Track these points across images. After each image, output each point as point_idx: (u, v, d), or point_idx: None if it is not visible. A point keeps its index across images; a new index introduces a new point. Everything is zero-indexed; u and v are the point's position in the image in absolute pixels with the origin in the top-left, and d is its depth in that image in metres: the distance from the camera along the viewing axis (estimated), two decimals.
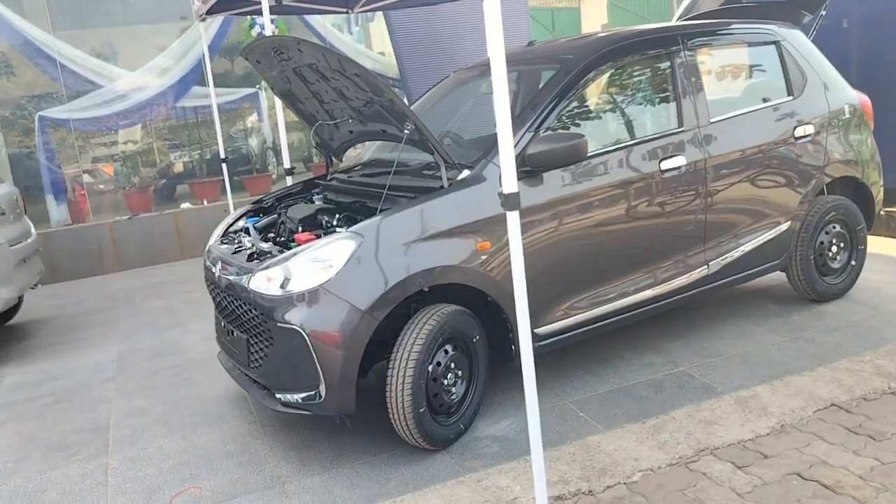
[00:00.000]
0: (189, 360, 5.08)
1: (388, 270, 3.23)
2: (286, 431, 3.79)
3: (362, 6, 8.48)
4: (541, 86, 3.91)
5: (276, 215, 4.22)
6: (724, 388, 3.76)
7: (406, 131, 3.39)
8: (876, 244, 5.35)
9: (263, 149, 10.82)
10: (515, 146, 3.53)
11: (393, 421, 3.30)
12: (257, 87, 9.99)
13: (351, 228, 3.26)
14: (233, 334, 3.67)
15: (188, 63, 9.20)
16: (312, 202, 4.27)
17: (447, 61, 8.94)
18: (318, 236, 3.52)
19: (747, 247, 4.24)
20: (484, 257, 3.41)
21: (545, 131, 3.58)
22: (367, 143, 4.58)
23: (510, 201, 2.41)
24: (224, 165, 8.23)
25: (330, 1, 8.14)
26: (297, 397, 3.30)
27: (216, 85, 8.93)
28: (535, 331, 3.62)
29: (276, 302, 3.24)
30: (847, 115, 4.56)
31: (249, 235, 4.03)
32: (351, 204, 3.92)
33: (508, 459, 3.32)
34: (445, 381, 3.41)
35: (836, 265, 4.66)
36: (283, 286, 3.25)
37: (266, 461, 3.53)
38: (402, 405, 3.22)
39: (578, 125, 3.75)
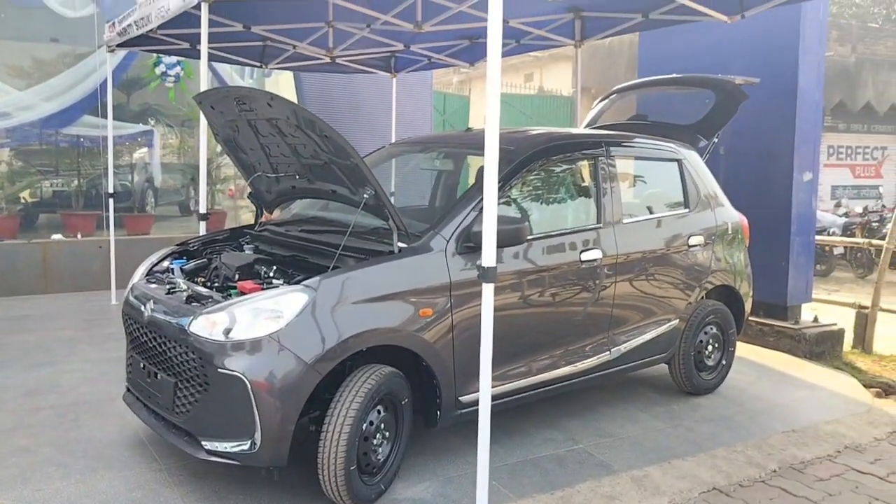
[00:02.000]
0: (72, 400, 4.81)
1: (337, 326, 3.33)
2: (196, 481, 3.70)
3: (277, 63, 8.63)
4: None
5: (204, 260, 4.20)
6: (619, 467, 4.07)
7: (365, 196, 3.55)
8: (740, 349, 5.98)
9: (144, 188, 10.49)
10: (461, 223, 3.79)
11: (321, 475, 3.33)
12: (152, 124, 9.74)
13: (304, 282, 3.34)
14: (156, 376, 3.59)
15: (82, 91, 8.87)
16: (242, 251, 4.29)
17: (354, 130, 9.19)
18: (262, 286, 3.56)
19: (643, 339, 4.67)
20: (425, 323, 3.58)
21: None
22: (295, 199, 4.67)
23: (488, 274, 2.63)
24: (111, 200, 7.94)
25: (245, 53, 8.23)
26: (226, 446, 3.28)
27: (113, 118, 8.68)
28: (459, 398, 3.80)
29: (219, 347, 3.24)
30: (730, 232, 5.19)
31: (176, 277, 3.99)
32: (288, 257, 3.99)
33: None
34: (374, 441, 3.50)
35: (710, 363, 5.19)
36: (226, 332, 3.26)
37: None
38: (335, 461, 3.28)
39: (516, 210, 4.06)
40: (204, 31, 5.22)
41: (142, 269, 4.15)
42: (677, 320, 4.87)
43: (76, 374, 5.36)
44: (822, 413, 5.04)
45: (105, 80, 8.71)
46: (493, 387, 3.86)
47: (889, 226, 12.70)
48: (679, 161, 5.02)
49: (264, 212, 4.64)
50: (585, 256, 4.25)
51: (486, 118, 2.68)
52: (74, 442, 4.14)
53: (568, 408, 4.82)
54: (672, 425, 4.71)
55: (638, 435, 4.52)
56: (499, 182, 3.91)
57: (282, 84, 10.56)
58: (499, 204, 3.95)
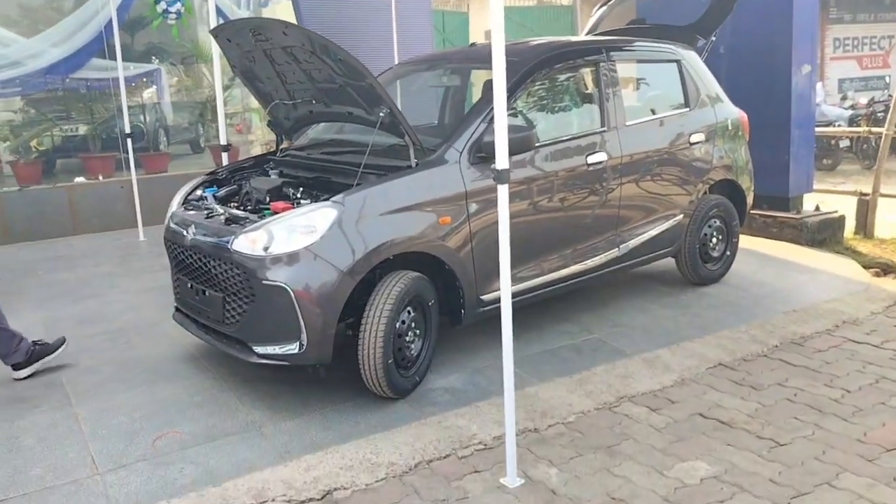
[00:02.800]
0: (121, 327, 5.19)
1: (365, 237, 3.64)
2: (249, 385, 4.08)
3: None
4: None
5: (234, 186, 4.49)
6: (632, 351, 4.42)
7: (381, 115, 3.80)
8: (742, 240, 6.26)
9: (156, 127, 10.70)
10: (472, 135, 4.04)
11: (363, 371, 3.70)
12: (158, 63, 9.88)
13: (332, 199, 3.63)
14: (204, 293, 3.93)
15: (88, 34, 8.99)
16: (268, 176, 4.56)
17: (357, 54, 9.28)
18: (293, 206, 3.85)
19: (649, 234, 4.96)
20: (445, 231, 3.88)
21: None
22: (312, 124, 4.90)
23: (502, 176, 2.90)
24: (129, 140, 8.19)
25: None
26: (276, 349, 3.64)
27: (116, 58, 8.82)
28: (480, 297, 4.13)
29: (261, 262, 3.56)
30: (730, 128, 5.40)
31: (210, 203, 4.28)
32: (312, 179, 4.26)
33: (461, 406, 3.81)
34: (407, 339, 3.85)
35: (715, 254, 5.49)
36: (265, 248, 3.58)
37: (237, 410, 3.82)
38: (374, 357, 3.64)
39: (523, 120, 4.30)
40: None
41: (178, 198, 4.44)
42: (682, 215, 5.15)
43: (120, 304, 5.74)
44: (822, 293, 5.37)
45: (109, 22, 8.87)
46: (517, 284, 4.21)
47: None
48: (678, 62, 5.20)
49: (283, 138, 4.89)
50: (592, 159, 4.50)
51: (492, 30, 2.90)
52: (132, 361, 4.53)
53: (582, 304, 5.16)
54: (680, 313, 5.05)
55: (648, 323, 4.87)
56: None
57: (279, 13, 10.59)
58: (508, 114, 4.19)
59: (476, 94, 4.89)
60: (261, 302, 3.61)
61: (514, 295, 4.25)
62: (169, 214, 4.35)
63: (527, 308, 4.68)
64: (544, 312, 4.96)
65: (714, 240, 5.46)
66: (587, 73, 4.69)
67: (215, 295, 3.84)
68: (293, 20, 10.17)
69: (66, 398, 4.03)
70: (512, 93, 4.23)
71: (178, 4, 9.27)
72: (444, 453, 3.38)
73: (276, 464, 3.32)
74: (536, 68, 4.37)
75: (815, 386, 3.94)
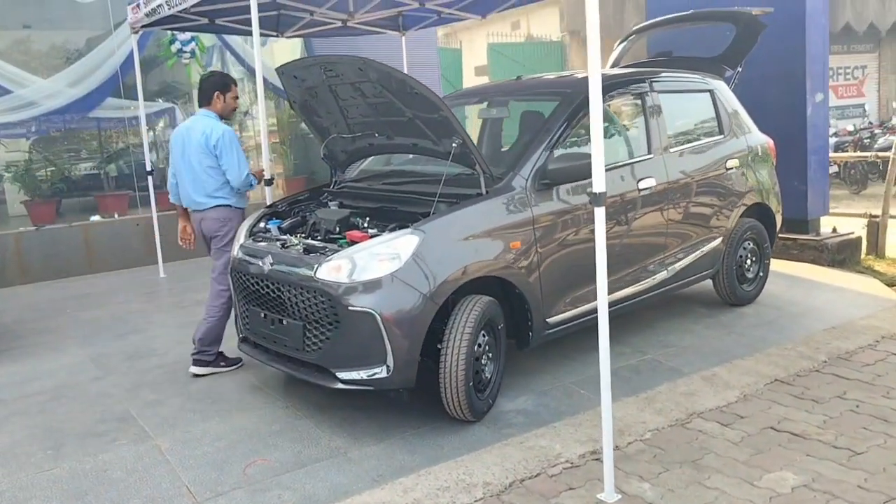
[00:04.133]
0: (173, 360, 5.21)
1: (445, 262, 3.75)
2: (323, 412, 4.14)
3: (293, 31, 8.87)
4: (546, 115, 4.60)
5: (297, 218, 4.59)
6: (689, 370, 4.55)
7: (454, 145, 3.93)
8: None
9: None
10: (536, 163, 4.19)
11: (444, 394, 3.78)
12: (173, 102, 9.97)
13: (414, 226, 3.75)
14: (281, 322, 4.00)
15: (104, 74, 9.07)
16: (328, 207, 4.67)
17: None
18: (369, 235, 3.95)
19: (693, 257, 5.13)
20: (515, 255, 4.01)
21: (555, 151, 4.27)
22: (369, 157, 5.03)
23: (598, 199, 3.04)
24: (150, 178, 8.25)
25: (260, 23, 8.44)
26: (360, 374, 3.71)
27: (130, 97, 8.93)
28: (546, 320, 4.25)
29: (346, 288, 3.65)
30: (759, 153, 5.62)
31: (276, 234, 4.37)
32: (376, 209, 4.37)
33: (537, 426, 3.90)
34: (482, 362, 3.94)
35: (750, 275, 5.67)
36: (349, 275, 3.67)
37: (318, 437, 3.88)
38: (456, 379, 3.73)
39: (579, 148, 4.46)
40: (254, 7, 5.52)
41: (244, 231, 4.52)
42: (721, 238, 5.33)
43: (164, 339, 5.76)
44: (855, 310, 5.56)
45: (123, 62, 8.98)
46: (574, 307, 4.34)
47: (880, 140, 13.22)
48: (711, 91, 5.43)
49: (336, 171, 5.01)
50: (643, 185, 4.67)
51: (588, 58, 3.05)
52: (197, 393, 4.57)
53: (630, 326, 5.29)
54: (725, 333, 5.20)
55: (697, 343, 5.01)
56: (563, 122, 4.34)
57: (277, 52, 10.72)
58: (567, 143, 4.36)
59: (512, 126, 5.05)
60: (345, 328, 3.69)
61: (578, 317, 4.41)
62: (237, 247, 4.42)
63: (581, 331, 4.80)
64: (595, 336, 5.06)
65: (748, 261, 5.64)
66: (634, 103, 4.88)
67: (294, 323, 3.91)
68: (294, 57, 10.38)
69: (142, 431, 4.05)
70: (569, 122, 4.39)
71: (192, 44, 9.40)
72: (534, 472, 3.46)
73: (372, 487, 3.38)
74: (586, 101, 4.53)
75: (874, 398, 4.09)
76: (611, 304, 4.58)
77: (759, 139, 5.68)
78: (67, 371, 5.13)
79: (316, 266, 3.77)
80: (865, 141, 13.56)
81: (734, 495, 3.19)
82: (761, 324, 5.35)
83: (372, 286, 3.64)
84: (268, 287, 4.05)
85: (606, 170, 4.47)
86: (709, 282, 5.61)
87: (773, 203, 5.75)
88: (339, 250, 3.83)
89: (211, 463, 3.65)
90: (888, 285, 6.22)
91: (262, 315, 4.14)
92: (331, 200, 4.73)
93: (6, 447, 3.96)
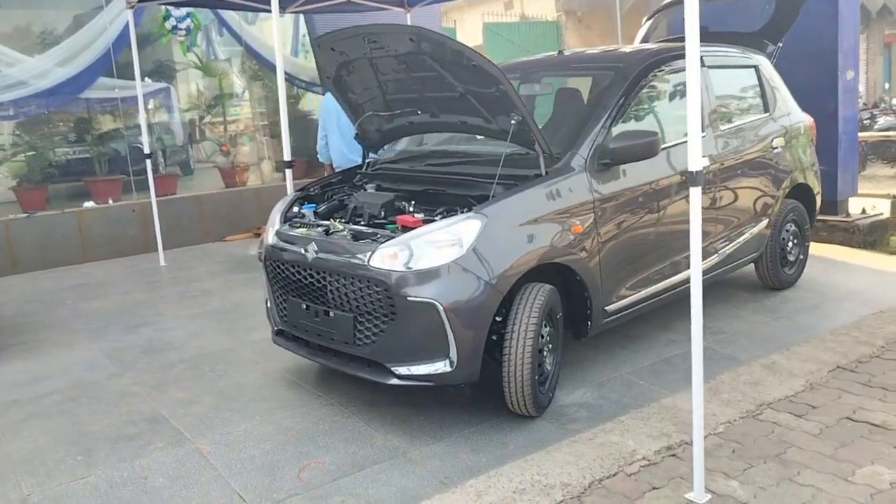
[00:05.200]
0: (194, 354, 4.92)
1: (508, 248, 3.51)
2: (374, 410, 3.88)
3: (295, 7, 8.51)
4: (590, 90, 4.35)
5: (335, 202, 4.31)
6: (745, 357, 4.36)
7: (513, 122, 3.67)
8: None
9: (172, 146, 10.34)
10: (595, 142, 3.95)
11: (507, 388, 3.54)
12: (168, 81, 9.57)
13: (477, 210, 3.49)
14: (327, 314, 3.72)
15: (95, 52, 8.65)
16: (365, 190, 4.39)
17: None
18: (422, 220, 3.68)
19: (742, 239, 4.94)
20: (577, 240, 3.77)
21: (612, 129, 4.02)
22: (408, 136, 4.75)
23: (695, 178, 2.81)
24: (149, 162, 7.87)
25: None
26: (420, 369, 3.46)
27: (123, 77, 8.52)
28: (605, 308, 4.02)
29: (405, 277, 3.39)
30: (802, 132, 5.43)
31: (313, 220, 4.09)
32: (421, 192, 4.09)
33: (603, 421, 3.68)
34: (544, 353, 3.71)
35: (791, 258, 5.49)
36: (406, 263, 3.41)
37: (372, 436, 3.62)
38: (521, 373, 3.49)
39: (637, 124, 4.22)
40: None
41: (278, 217, 4.23)
42: (766, 220, 5.13)
43: (179, 332, 5.45)
44: None
45: (116, 39, 8.57)
46: (632, 294, 4.12)
47: (880, 121, 13.17)
48: (756, 67, 5.21)
49: (368, 152, 4.73)
50: None
51: (686, 30, 2.82)
52: (228, 389, 4.29)
53: (675, 313, 5.07)
54: (772, 318, 5.02)
55: (747, 329, 4.82)
56: (621, 98, 4.09)
57: (265, 30, 10.35)
58: (623, 119, 4.12)
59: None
60: (403, 320, 3.43)
61: (634, 304, 4.20)
62: (271, 233, 4.13)
63: (630, 320, 4.59)
64: (645, 323, 4.87)
65: (790, 244, 5.46)
66: (684, 79, 4.62)
67: (343, 315, 3.64)
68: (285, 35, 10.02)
69: (177, 433, 3.77)
70: (626, 97, 4.15)
71: (188, 20, 9.00)
72: (610, 471, 3.24)
73: (441, 491, 3.14)
74: (643, 73, 4.30)
75: None
76: (667, 290, 4.42)
77: (802, 117, 5.48)
78: (82, 368, 4.82)
79: (369, 253, 3.50)
80: (865, 122, 13.50)
81: (831, 492, 3.00)
82: (807, 308, 5.18)
83: (433, 275, 3.38)
84: (311, 276, 3.77)
85: (667, 149, 4.30)
86: (748, 266, 5.42)
87: (814, 184, 5.56)
88: (392, 236, 3.57)
89: (260, 467, 3.38)
90: None
91: (304, 306, 3.86)
92: (367, 183, 4.45)
93: (30, 453, 3.66)
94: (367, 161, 4.72)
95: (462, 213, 3.60)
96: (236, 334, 5.30)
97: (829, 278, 5.82)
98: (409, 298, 3.38)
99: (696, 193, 2.84)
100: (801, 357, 4.35)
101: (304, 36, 10.63)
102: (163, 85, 9.43)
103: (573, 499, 3.06)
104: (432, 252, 3.42)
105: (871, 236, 6.65)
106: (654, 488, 3.12)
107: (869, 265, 6.15)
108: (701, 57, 4.55)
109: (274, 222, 4.21)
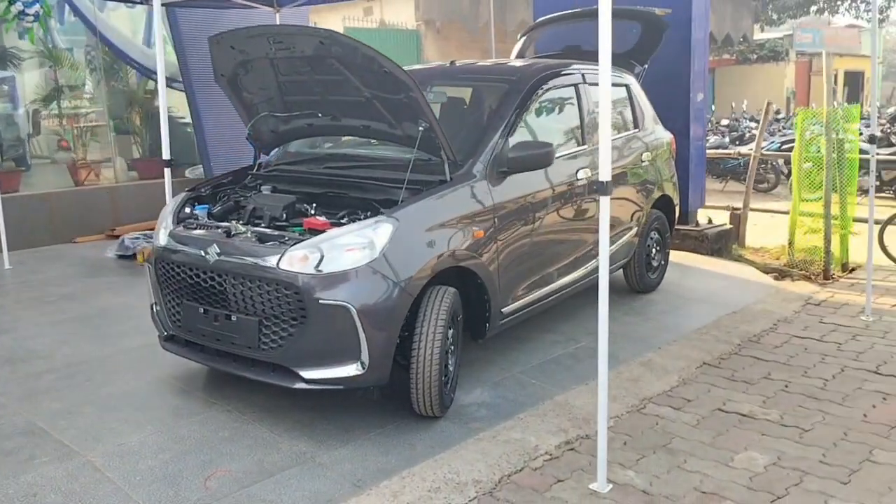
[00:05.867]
0: (64, 363, 4.58)
1: (419, 252, 3.57)
2: (274, 415, 3.80)
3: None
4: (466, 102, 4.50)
5: (230, 203, 4.19)
6: (625, 356, 4.67)
7: (420, 129, 3.73)
8: None
9: (13, 139, 9.48)
10: (493, 151, 4.10)
11: (415, 390, 3.60)
12: (12, 69, 8.80)
13: (388, 213, 3.52)
14: (228, 318, 3.62)
15: None
16: (259, 191, 4.30)
17: None
18: (330, 223, 3.67)
19: (616, 246, 5.28)
20: (479, 244, 3.90)
21: (509, 139, 4.20)
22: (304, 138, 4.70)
23: (605, 188, 3.01)
24: None
25: None
26: (330, 372, 3.44)
27: None
28: (502, 310, 4.18)
29: (317, 280, 3.37)
30: (665, 148, 5.88)
31: (209, 222, 3.97)
32: (321, 194, 4.06)
33: (503, 419, 3.82)
34: (448, 355, 3.80)
35: (655, 263, 5.93)
36: (318, 266, 3.39)
37: (276, 441, 3.56)
38: (430, 375, 3.56)
39: (530, 136, 4.42)
40: None
41: (170, 218, 4.04)
42: (636, 228, 5.52)
43: (43, 339, 5.06)
44: (746, 296, 5.98)
45: None
46: (525, 296, 4.31)
47: (710, 139, 14.36)
48: (627, 86, 5.59)
49: (259, 153, 4.63)
50: (580, 175, 4.71)
51: (600, 48, 3.01)
52: (112, 398, 4.05)
53: (555, 315, 5.33)
54: (642, 319, 5.40)
55: (622, 330, 5.15)
56: (514, 109, 4.28)
57: (113, 19, 9.83)
58: (516, 129, 4.30)
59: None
60: (314, 323, 3.40)
61: (528, 305, 4.40)
62: (164, 234, 3.95)
63: (517, 323, 4.78)
64: (530, 326, 5.06)
65: (654, 250, 5.90)
66: (570, 93, 4.89)
67: (247, 319, 3.55)
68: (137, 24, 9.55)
69: (61, 445, 3.52)
70: (521, 108, 4.34)
71: (37, 6, 8.34)
72: (517, 467, 3.38)
73: (356, 494, 3.15)
74: (535, 87, 4.51)
75: (797, 377, 4.40)
76: (554, 293, 4.65)
77: (665, 134, 5.94)
78: None
79: (277, 256, 3.44)
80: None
81: (716, 477, 3.30)
82: (670, 310, 5.61)
83: (345, 277, 3.38)
84: (211, 280, 3.65)
85: (560, 158, 4.52)
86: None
87: (674, 195, 6.04)
88: (300, 239, 3.53)
89: (162, 478, 3.23)
90: (763, 272, 6.76)
91: (202, 310, 3.73)
92: (262, 185, 4.36)
93: None
94: (257, 162, 4.62)
95: (366, 216, 3.64)
96: (108, 341, 5.00)
97: (685, 282, 6.34)
98: (320, 301, 3.36)
99: (604, 203, 3.03)
100: (672, 355, 4.73)
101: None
102: (7, 74, 8.66)
103: (486, 495, 3.17)
104: (343, 255, 3.42)
105: (717, 244, 7.29)
106: (559, 481, 3.29)
107: (717, 270, 6.75)
108: (583, 74, 4.87)
109: (166, 223, 4.03)
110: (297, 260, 3.41)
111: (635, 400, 4.10)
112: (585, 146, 4.87)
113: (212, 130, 9.27)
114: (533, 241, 4.33)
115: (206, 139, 9.32)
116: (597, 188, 3.05)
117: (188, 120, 10.02)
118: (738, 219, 8.03)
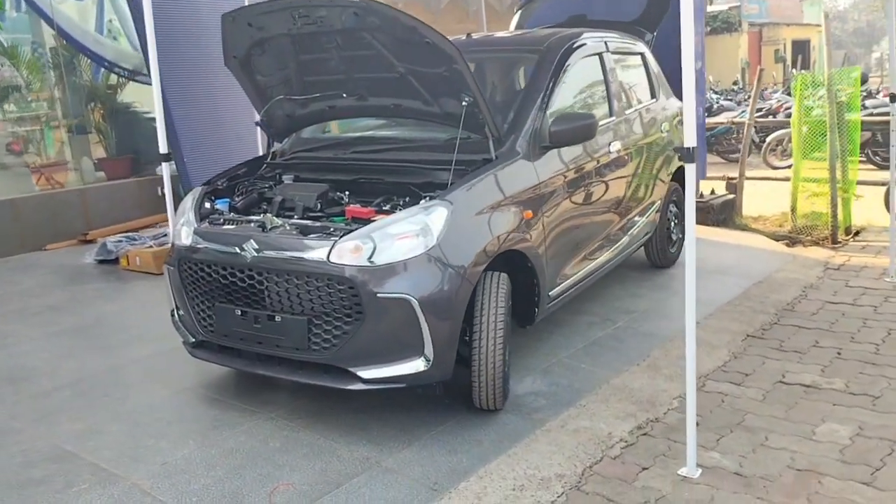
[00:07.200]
0: (73, 379, 4.21)
1: (475, 236, 3.34)
2: (322, 421, 3.53)
3: None
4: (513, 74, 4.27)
5: (252, 195, 3.88)
6: (666, 334, 4.51)
7: (464, 103, 3.48)
8: None
9: None
10: (532, 125, 3.88)
11: (477, 383, 3.38)
12: None
13: (442, 197, 3.27)
14: (271, 319, 3.33)
15: None
16: (281, 181, 4.01)
17: (204, 57, 8.44)
18: (375, 210, 3.41)
19: (643, 220, 5.11)
20: (527, 225, 3.67)
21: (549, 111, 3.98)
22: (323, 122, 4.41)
23: (690, 155, 2.82)
24: None
25: None
26: (392, 370, 3.19)
27: None
28: (549, 293, 3.97)
29: (372, 273, 3.11)
30: (679, 117, 5.72)
31: (236, 216, 3.67)
32: (355, 181, 3.79)
33: (565, 407, 3.63)
34: None
35: (674, 237, 5.79)
36: (370, 257, 3.14)
37: (334, 448, 3.30)
38: (493, 366, 3.34)
39: (567, 108, 4.20)
40: None
41: (190, 214, 3.71)
42: (659, 201, 5.36)
43: (42, 354, 4.67)
44: (766, 265, 5.89)
45: None
46: (570, 277, 4.12)
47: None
48: (642, 54, 5.41)
49: (274, 140, 4.33)
50: (613, 147, 4.52)
51: (682, 11, 2.81)
52: (139, 414, 3.72)
53: (582, 297, 5.13)
54: (671, 294, 5.26)
55: (654, 307, 5.00)
56: (550, 80, 4.06)
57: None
58: (552, 102, 4.08)
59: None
60: (372, 318, 3.14)
61: (570, 287, 4.21)
62: (188, 234, 3.63)
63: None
64: (562, 308, 4.87)
65: (672, 224, 5.75)
66: (598, 63, 4.67)
67: (294, 319, 3.27)
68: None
69: (99, 469, 3.20)
70: (555, 80, 4.12)
71: None
72: (596, 457, 3.19)
73: (436, 499, 2.92)
74: (565, 57, 4.29)
75: (846, 343, 4.30)
76: (597, 269, 4.48)
77: (677, 103, 5.78)
78: None
79: (327, 249, 3.17)
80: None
81: (805, 452, 3.16)
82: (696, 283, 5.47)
83: (403, 268, 3.13)
84: (249, 279, 3.36)
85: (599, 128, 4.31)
86: None
87: None
88: (348, 229, 3.26)
89: (221, 496, 2.95)
90: (774, 240, 6.69)
91: (239, 312, 3.43)
92: (282, 174, 4.06)
93: None
94: (271, 150, 4.31)
95: (405, 202, 3.43)
96: (113, 352, 4.65)
97: (701, 254, 6.12)
98: (378, 295, 3.10)
99: (690, 170, 2.85)
100: (714, 329, 4.59)
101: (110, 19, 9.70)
102: None
103: (573, 489, 2.97)
104: (396, 244, 3.17)
105: (723, 214, 7.21)
106: (644, 468, 3.10)
107: (728, 241, 6.66)
108: (605, 42, 4.66)
109: (188, 220, 3.70)
110: (348, 252, 3.15)
111: (693, 378, 3.93)
112: (613, 118, 4.67)
113: (184, 125, 8.82)
114: (574, 219, 4.13)
115: (177, 134, 8.87)
116: (682, 155, 2.84)
117: (154, 115, 9.58)
118: (734, 188, 7.98)
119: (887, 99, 12.88)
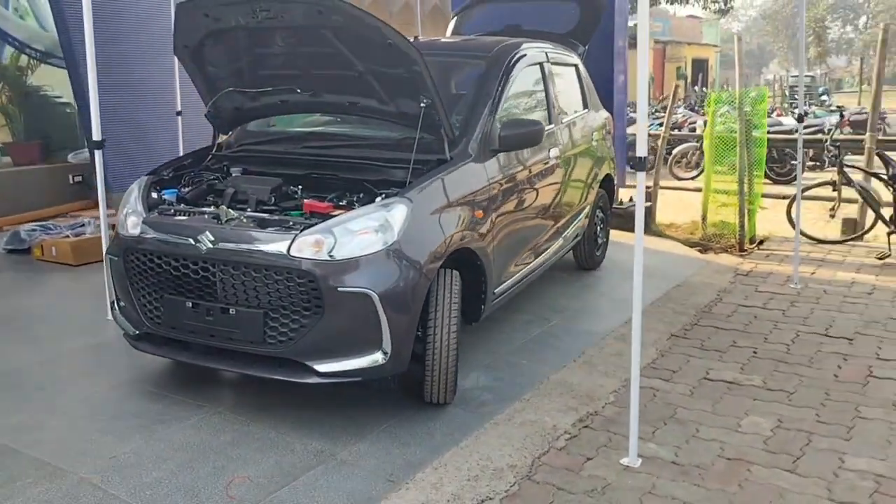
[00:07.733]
0: (1, 371, 4.08)
1: (432, 234, 3.43)
2: (272, 415, 3.53)
3: None
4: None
5: (202, 186, 3.84)
6: (599, 330, 4.74)
7: (422, 105, 3.57)
8: None
9: None
10: (482, 129, 4.01)
11: (430, 377, 3.46)
12: None
13: (402, 194, 3.35)
14: (224, 312, 3.32)
15: None
16: (228, 173, 3.98)
17: (130, 55, 8.18)
18: (333, 205, 3.45)
19: (574, 224, 5.34)
20: (478, 224, 3.80)
21: (497, 117, 4.11)
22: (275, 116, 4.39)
23: (641, 164, 3.00)
24: None
25: None
26: (349, 364, 3.24)
27: None
28: (494, 291, 4.10)
29: (333, 267, 3.16)
30: (607, 127, 5.99)
31: (187, 207, 3.63)
32: (306, 176, 3.82)
33: (510, 401, 3.77)
34: None
35: (600, 241, 6.05)
36: (331, 251, 3.18)
37: (286, 442, 3.31)
38: (447, 361, 3.45)
39: (513, 114, 4.34)
40: None
41: (138, 205, 3.64)
42: (588, 206, 5.60)
43: None
44: (683, 270, 6.23)
45: None
46: (512, 275, 4.27)
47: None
48: (576, 66, 5.63)
49: (219, 132, 4.29)
50: (552, 154, 4.71)
51: (639, 37, 2.98)
52: (78, 407, 3.62)
53: (521, 295, 5.29)
54: (599, 294, 5.51)
55: (585, 306, 5.23)
56: (498, 86, 4.20)
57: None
58: (500, 108, 4.22)
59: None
60: (332, 313, 3.18)
61: (512, 285, 4.38)
62: (135, 223, 3.55)
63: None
64: (499, 308, 5.02)
65: (598, 228, 6.01)
66: (538, 72, 4.85)
67: (249, 312, 3.27)
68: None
69: (43, 463, 3.10)
70: (504, 86, 4.26)
71: None
72: (543, 449, 3.34)
73: (396, 489, 2.99)
74: (511, 64, 4.43)
75: (760, 344, 4.63)
76: (532, 271, 4.64)
77: (605, 114, 6.05)
78: None
79: (289, 242, 3.19)
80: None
81: (733, 443, 3.40)
82: (620, 285, 5.75)
83: (364, 263, 3.19)
84: (202, 270, 3.33)
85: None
86: None
87: (615, 174, 6.18)
88: (307, 223, 3.29)
89: (176, 490, 2.93)
90: (688, 246, 7.07)
91: (189, 305, 3.39)
92: (229, 166, 4.03)
93: None
94: (216, 142, 4.27)
95: (359, 198, 3.50)
96: (41, 344, 4.48)
97: (622, 258, 6.51)
98: (339, 289, 3.15)
99: (640, 178, 3.03)
100: (645, 327, 4.82)
101: None
102: None
103: (524, 479, 3.10)
104: (355, 239, 3.22)
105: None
106: (588, 459, 3.27)
107: (648, 246, 6.92)
108: (546, 53, 4.85)
109: (134, 209, 3.63)
110: (308, 246, 3.18)
111: (626, 374, 4.13)
112: (553, 125, 4.86)
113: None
114: (518, 220, 4.28)
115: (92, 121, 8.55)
116: (633, 165, 3.02)
117: (66, 100, 9.19)
118: (649, 196, 8.36)
119: (781, 118, 13.74)
